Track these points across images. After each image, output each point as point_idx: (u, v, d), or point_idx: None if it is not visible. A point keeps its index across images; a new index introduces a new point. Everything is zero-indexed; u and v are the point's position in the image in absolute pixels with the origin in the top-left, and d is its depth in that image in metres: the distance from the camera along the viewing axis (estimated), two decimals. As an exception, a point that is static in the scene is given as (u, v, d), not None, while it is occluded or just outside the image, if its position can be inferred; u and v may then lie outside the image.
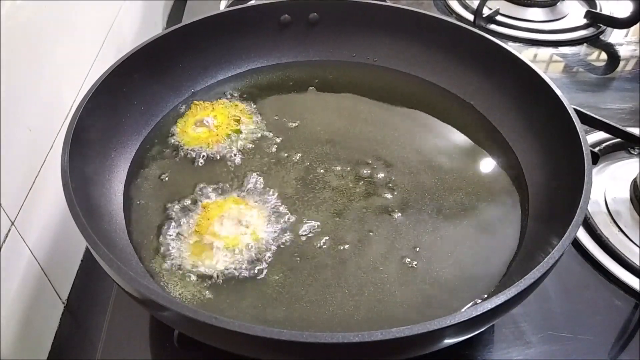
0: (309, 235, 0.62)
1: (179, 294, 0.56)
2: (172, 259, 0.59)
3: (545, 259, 0.48)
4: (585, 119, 0.76)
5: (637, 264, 0.68)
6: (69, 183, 0.54)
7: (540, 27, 1.17)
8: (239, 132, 0.75)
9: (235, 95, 0.82)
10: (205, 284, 0.57)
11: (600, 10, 1.23)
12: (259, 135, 0.75)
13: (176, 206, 0.65)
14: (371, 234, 0.63)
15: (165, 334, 0.59)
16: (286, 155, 0.73)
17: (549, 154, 0.68)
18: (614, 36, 1.18)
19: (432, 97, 0.83)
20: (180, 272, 0.58)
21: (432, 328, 0.42)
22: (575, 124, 0.63)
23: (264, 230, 0.62)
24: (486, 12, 1.15)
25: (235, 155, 0.72)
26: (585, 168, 0.57)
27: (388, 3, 0.88)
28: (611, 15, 1.21)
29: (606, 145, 0.84)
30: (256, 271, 0.58)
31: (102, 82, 0.66)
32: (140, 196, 0.67)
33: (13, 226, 0.59)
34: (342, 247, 0.61)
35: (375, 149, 0.73)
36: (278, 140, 0.75)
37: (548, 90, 0.68)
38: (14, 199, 0.60)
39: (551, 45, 1.15)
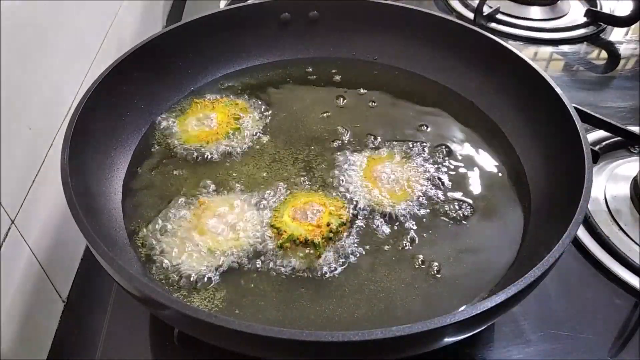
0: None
1: (179, 293, 0.56)
2: (172, 257, 0.59)
3: (546, 258, 0.48)
4: (586, 117, 0.76)
5: (637, 262, 0.68)
6: (68, 182, 0.54)
7: (540, 25, 1.17)
8: (239, 130, 0.75)
9: (236, 93, 0.81)
10: (204, 282, 0.57)
11: (601, 8, 1.23)
12: (259, 133, 0.75)
13: (175, 204, 0.65)
14: (370, 233, 0.63)
15: (165, 332, 0.59)
16: (286, 153, 0.72)
17: (549, 152, 0.68)
18: (614, 34, 1.18)
19: (433, 95, 0.83)
20: (180, 270, 0.58)
21: (433, 326, 0.43)
22: (576, 122, 0.63)
23: (264, 228, 0.62)
24: (486, 10, 1.15)
25: (235, 153, 0.72)
26: (586, 166, 0.57)
27: (389, 1, 0.88)
28: (611, 13, 1.21)
29: (606, 144, 0.84)
30: (256, 269, 0.58)
31: (101, 80, 0.66)
32: (139, 194, 0.67)
33: (13, 225, 0.59)
34: (341, 247, 0.61)
35: (376, 146, 0.74)
36: (278, 138, 0.75)
37: (548, 88, 0.68)
38: (14, 197, 0.60)
39: (551, 44, 1.15)
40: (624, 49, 1.15)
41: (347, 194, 0.66)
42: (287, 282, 0.58)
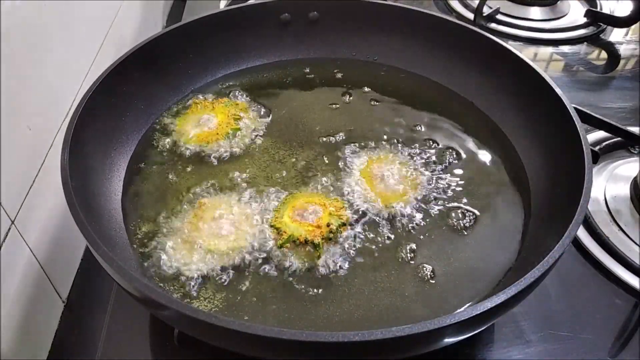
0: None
1: (179, 293, 0.56)
2: (172, 258, 0.59)
3: (546, 258, 0.48)
4: (586, 117, 0.76)
5: (637, 262, 0.68)
6: (68, 182, 0.54)
7: (540, 25, 1.17)
8: (239, 130, 0.75)
9: (236, 93, 0.81)
10: (204, 282, 0.57)
11: (601, 9, 1.23)
12: (259, 133, 0.75)
13: (175, 205, 0.65)
14: (370, 233, 0.63)
15: (165, 333, 0.59)
16: (286, 153, 0.72)
17: (549, 152, 0.68)
18: (614, 35, 1.18)
19: (433, 95, 0.83)
20: (180, 270, 0.58)
21: (433, 327, 0.43)
22: (576, 122, 0.63)
23: (264, 229, 0.62)
24: (486, 10, 1.15)
25: (235, 154, 0.72)
26: (586, 167, 0.57)
27: (389, 2, 0.88)
28: (611, 14, 1.21)
29: (606, 144, 0.84)
30: (256, 270, 0.58)
31: (101, 81, 0.66)
32: (139, 194, 0.67)
33: (13, 225, 0.59)
34: (341, 247, 0.61)
35: (376, 146, 0.74)
36: (278, 138, 0.75)
37: (548, 89, 0.68)
38: (14, 198, 0.60)
39: (551, 44, 1.15)
40: (624, 50, 1.15)
41: (347, 195, 0.66)
42: (287, 282, 0.58)
